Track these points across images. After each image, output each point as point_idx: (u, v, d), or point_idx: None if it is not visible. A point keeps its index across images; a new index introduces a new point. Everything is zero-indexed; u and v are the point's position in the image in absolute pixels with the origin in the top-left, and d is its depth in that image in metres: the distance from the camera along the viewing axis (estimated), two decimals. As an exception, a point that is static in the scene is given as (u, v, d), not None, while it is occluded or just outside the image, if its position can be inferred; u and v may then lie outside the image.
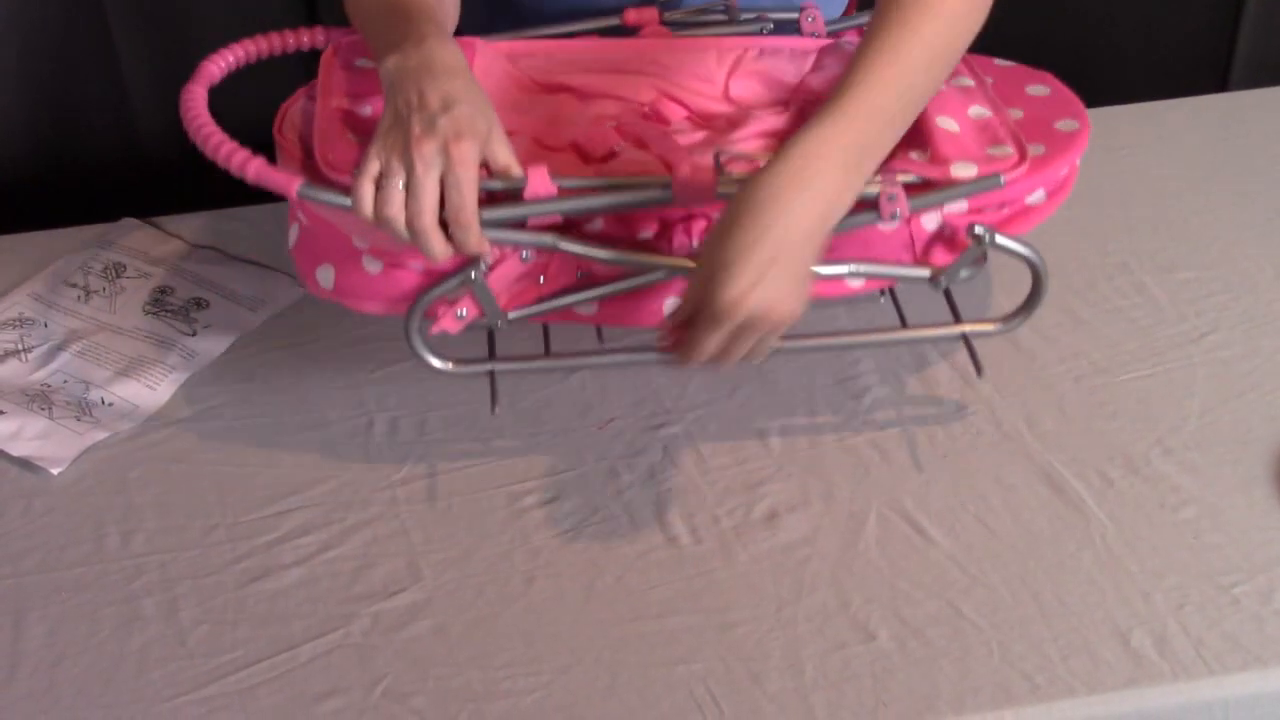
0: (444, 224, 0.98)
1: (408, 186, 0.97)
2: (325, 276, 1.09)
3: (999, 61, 1.23)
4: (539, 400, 1.19)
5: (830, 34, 1.23)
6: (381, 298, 1.07)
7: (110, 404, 1.19)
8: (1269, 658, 0.97)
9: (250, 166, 1.00)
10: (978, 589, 1.03)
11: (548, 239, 1.02)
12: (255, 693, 0.97)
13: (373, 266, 1.07)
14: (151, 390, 1.20)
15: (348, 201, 0.99)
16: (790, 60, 1.20)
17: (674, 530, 1.08)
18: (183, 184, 1.65)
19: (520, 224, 1.02)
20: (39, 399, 1.19)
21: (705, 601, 1.03)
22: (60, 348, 1.24)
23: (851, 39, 1.23)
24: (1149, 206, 1.39)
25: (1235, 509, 1.08)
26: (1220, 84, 1.90)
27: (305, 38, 1.17)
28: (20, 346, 1.24)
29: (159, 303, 1.29)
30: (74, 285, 1.31)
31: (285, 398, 1.20)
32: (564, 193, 1.01)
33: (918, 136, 1.08)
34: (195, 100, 1.06)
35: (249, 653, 1.00)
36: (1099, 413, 1.17)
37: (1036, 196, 1.10)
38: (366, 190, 0.98)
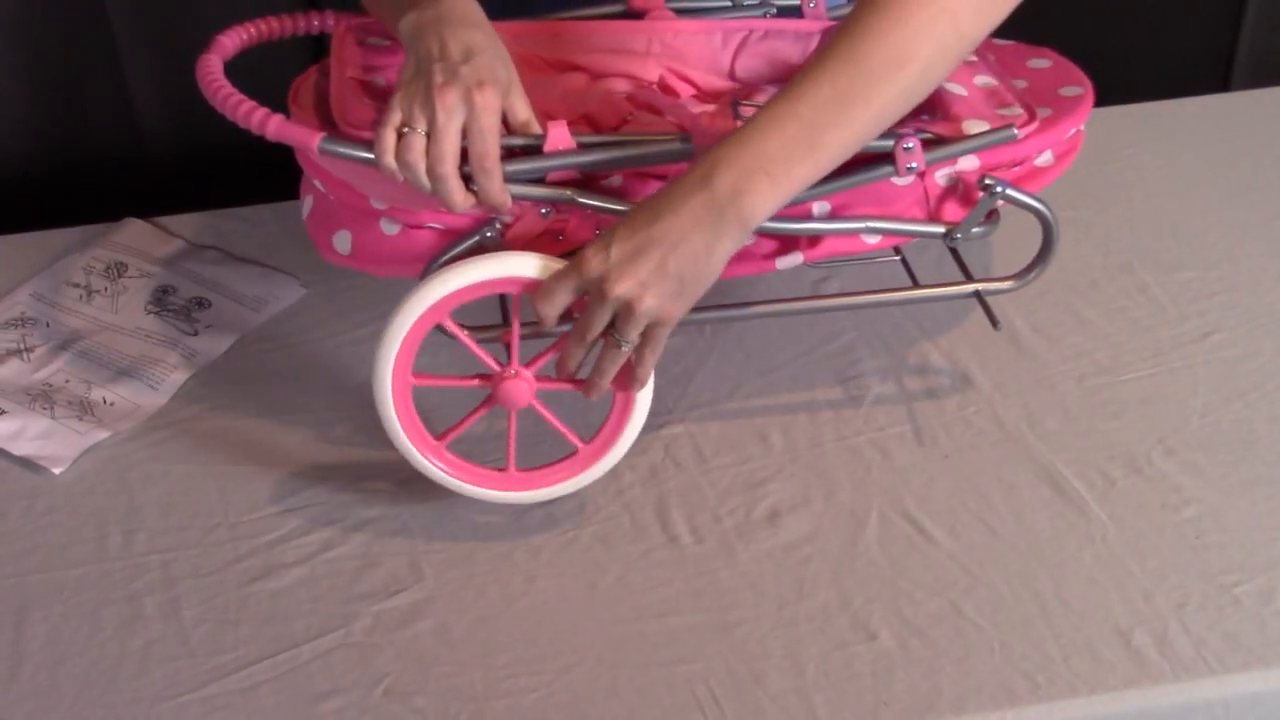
0: (465, 178, 0.99)
1: (430, 134, 0.97)
2: (342, 242, 1.08)
3: (998, 41, 1.24)
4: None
5: (833, 19, 1.24)
6: (398, 260, 1.07)
7: (112, 403, 1.19)
8: (1270, 657, 0.97)
9: (270, 124, 1.00)
10: (979, 589, 1.03)
11: (566, 194, 1.02)
12: (257, 692, 0.97)
13: (390, 228, 1.06)
14: (153, 390, 1.20)
15: (370, 155, 0.99)
16: (795, 41, 1.21)
17: (675, 530, 1.08)
18: (185, 184, 1.65)
19: (538, 180, 1.02)
20: (41, 398, 1.19)
21: (706, 601, 1.03)
22: (62, 347, 1.24)
23: None
24: (1151, 207, 1.39)
25: (1237, 509, 1.08)
26: (1222, 84, 1.90)
27: (316, 21, 1.18)
28: (22, 346, 1.24)
29: (161, 302, 1.29)
30: (76, 285, 1.31)
31: (287, 397, 1.20)
32: (583, 148, 1.02)
33: (926, 102, 1.08)
34: (211, 67, 1.06)
35: (250, 652, 1.00)
36: (1101, 412, 1.17)
37: (1045, 158, 1.11)
38: (389, 139, 0.98)
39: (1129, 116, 1.50)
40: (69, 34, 1.59)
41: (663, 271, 0.95)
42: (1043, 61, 1.21)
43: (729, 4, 1.24)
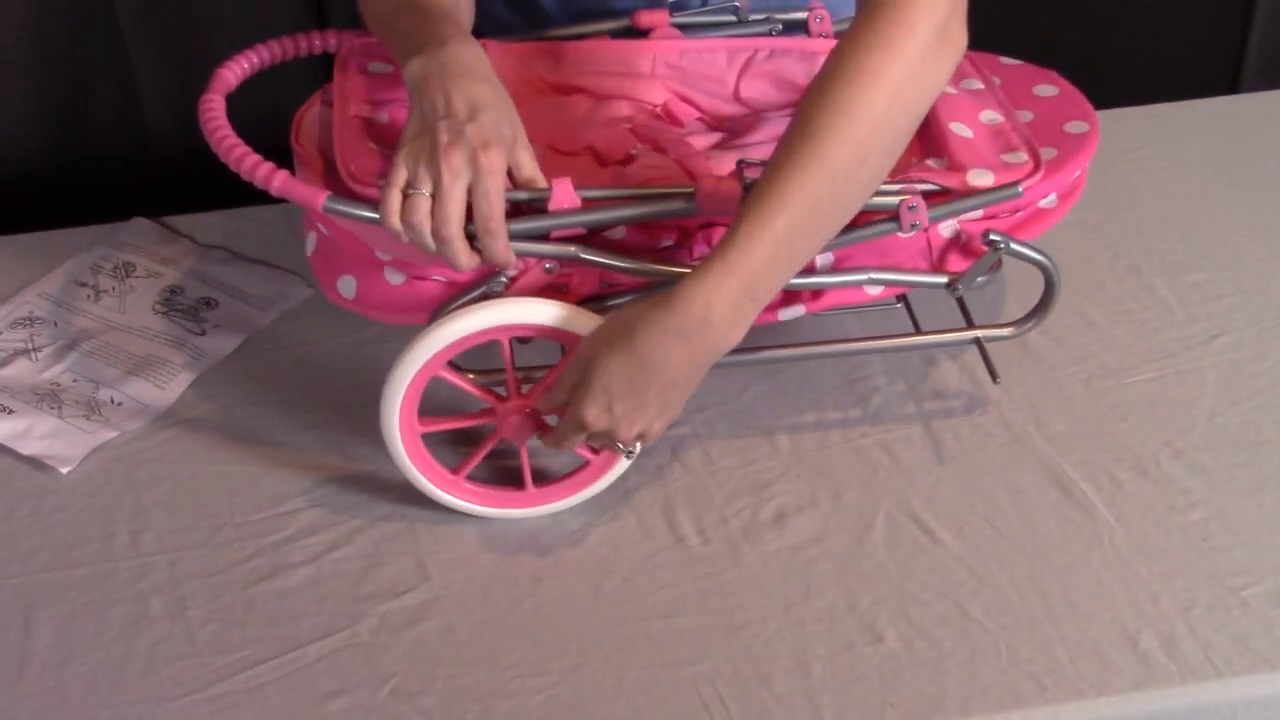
0: (469, 237, 0.99)
1: (435, 195, 0.97)
2: (347, 287, 1.08)
3: (1005, 60, 1.23)
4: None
5: (838, 34, 1.23)
6: (403, 309, 1.07)
7: (119, 403, 1.19)
8: (1278, 660, 0.97)
9: (275, 180, 0.99)
10: (986, 590, 1.03)
11: (570, 250, 1.02)
12: (263, 692, 0.98)
13: (395, 278, 1.06)
14: (160, 389, 1.20)
15: (375, 215, 0.99)
16: (800, 60, 1.20)
17: (682, 531, 1.08)
18: (193, 184, 1.65)
19: (543, 235, 1.02)
20: (49, 398, 1.19)
21: (713, 602, 1.03)
22: (70, 347, 1.24)
23: None
24: (1159, 209, 1.39)
25: (1244, 511, 1.08)
26: (1231, 86, 1.90)
27: (318, 41, 1.17)
28: (30, 345, 1.24)
29: (168, 302, 1.29)
30: (84, 284, 1.31)
31: (294, 397, 1.20)
32: (588, 204, 1.01)
33: (932, 143, 1.08)
34: (214, 110, 1.05)
35: (257, 652, 1.00)
36: (1108, 415, 1.16)
37: (1049, 200, 1.11)
38: (394, 201, 0.97)
39: (1137, 118, 1.50)
40: (77, 34, 1.60)
41: (665, 404, 1.00)
42: (1049, 89, 1.20)
43: (734, 19, 1.23)
